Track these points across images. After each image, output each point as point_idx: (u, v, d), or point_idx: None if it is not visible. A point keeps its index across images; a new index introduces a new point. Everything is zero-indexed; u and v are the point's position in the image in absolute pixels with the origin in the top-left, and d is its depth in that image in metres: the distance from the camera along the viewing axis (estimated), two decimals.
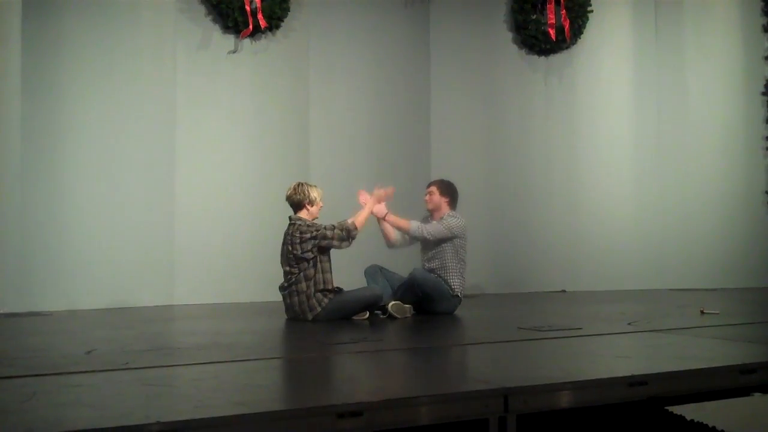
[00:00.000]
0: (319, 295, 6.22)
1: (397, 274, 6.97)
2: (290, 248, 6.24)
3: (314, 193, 6.42)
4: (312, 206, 6.41)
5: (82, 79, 7.98)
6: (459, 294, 6.84)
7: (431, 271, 6.80)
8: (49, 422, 2.67)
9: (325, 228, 6.27)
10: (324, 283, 6.27)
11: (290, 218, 6.43)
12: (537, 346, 4.83)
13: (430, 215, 7.02)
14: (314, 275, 6.24)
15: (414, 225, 6.80)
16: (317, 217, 6.47)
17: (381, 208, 6.73)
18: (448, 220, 6.84)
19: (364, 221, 6.51)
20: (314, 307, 6.20)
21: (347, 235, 6.30)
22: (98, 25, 8.07)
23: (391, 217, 6.77)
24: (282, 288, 6.38)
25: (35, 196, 7.73)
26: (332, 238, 6.25)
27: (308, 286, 6.22)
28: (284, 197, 6.48)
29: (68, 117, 7.90)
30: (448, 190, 7.02)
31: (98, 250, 7.93)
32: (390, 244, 7.00)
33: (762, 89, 11.05)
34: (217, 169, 8.73)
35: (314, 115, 9.39)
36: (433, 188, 7.02)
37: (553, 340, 5.03)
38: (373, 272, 6.91)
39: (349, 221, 6.38)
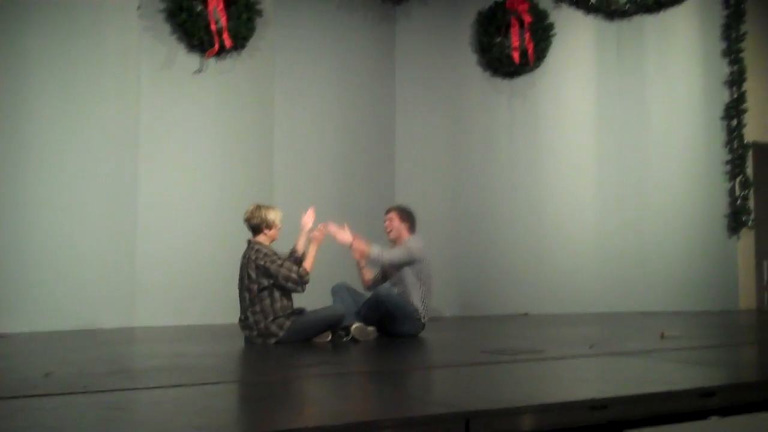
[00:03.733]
0: (280, 320, 6.17)
1: (364, 295, 6.94)
2: (248, 272, 6.20)
3: (272, 216, 6.35)
4: (270, 230, 6.36)
5: (45, 96, 7.90)
6: (422, 318, 6.83)
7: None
8: None
9: (281, 265, 6.18)
10: (283, 309, 6.22)
11: (249, 241, 6.38)
12: (499, 369, 4.84)
13: (393, 244, 7.00)
14: (271, 304, 6.18)
15: (375, 251, 6.76)
16: (276, 239, 6.42)
17: (345, 236, 6.65)
18: (408, 243, 6.86)
19: (313, 260, 6.38)
20: (275, 332, 6.14)
21: (300, 280, 6.21)
22: (61, 42, 8.01)
23: (358, 243, 6.71)
24: (241, 320, 6.31)
25: None
26: (286, 280, 6.16)
27: (266, 315, 6.15)
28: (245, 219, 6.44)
29: (29, 134, 7.81)
30: (407, 216, 7.03)
31: (57, 271, 7.83)
32: (366, 286, 7.00)
33: (721, 114, 11.21)
34: (179, 189, 8.68)
35: (279, 135, 9.38)
36: (393, 214, 7.01)
37: (515, 363, 5.04)
38: (340, 290, 6.89)
39: (301, 268, 6.28)
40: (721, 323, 8.82)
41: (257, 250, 6.22)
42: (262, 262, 6.15)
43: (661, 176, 10.81)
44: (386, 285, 6.81)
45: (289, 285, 6.20)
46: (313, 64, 9.71)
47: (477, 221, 10.31)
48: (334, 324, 6.41)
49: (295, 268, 6.23)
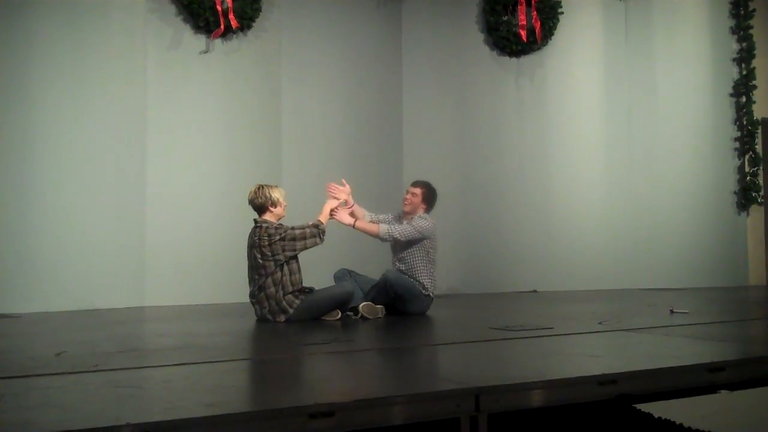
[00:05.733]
0: (289, 297, 6.21)
1: (367, 277, 6.97)
2: (257, 252, 6.23)
3: (276, 194, 6.38)
4: (275, 207, 6.37)
5: (52, 79, 7.89)
6: (430, 293, 6.86)
7: (402, 272, 6.82)
8: (18, 425, 2.64)
9: (293, 229, 6.26)
10: (293, 284, 6.26)
11: (255, 221, 6.39)
12: (508, 345, 4.85)
13: (402, 215, 7.03)
14: (282, 278, 6.22)
15: (383, 229, 6.78)
16: (283, 216, 6.45)
17: (345, 217, 6.65)
18: (417, 221, 6.85)
19: (328, 215, 6.50)
20: (286, 309, 6.20)
21: (317, 231, 6.30)
22: (67, 24, 8.00)
23: (360, 224, 6.74)
24: (252, 296, 6.37)
25: (4, 197, 7.66)
26: (304, 238, 6.24)
27: (277, 290, 6.20)
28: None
29: (37, 118, 7.82)
30: (430, 198, 7.00)
31: (68, 252, 7.86)
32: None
33: (730, 90, 11.17)
34: (188, 170, 8.69)
35: (286, 116, 9.36)
36: (418, 190, 6.97)
37: (524, 339, 5.05)
38: (342, 276, 6.92)
39: (315, 220, 6.39)
40: (730, 299, 8.82)
41: (265, 228, 6.24)
42: (276, 237, 6.18)
43: (670, 154, 10.79)
44: (393, 269, 6.85)
45: (308, 242, 6.25)
46: (319, 44, 9.67)
47: (485, 200, 10.30)
48: (343, 302, 6.44)
49: (307, 223, 6.32)
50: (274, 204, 6.37)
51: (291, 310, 6.19)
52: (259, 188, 6.39)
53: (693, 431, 2.97)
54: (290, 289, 6.23)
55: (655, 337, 5.11)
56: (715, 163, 11.04)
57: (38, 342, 5.35)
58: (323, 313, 6.36)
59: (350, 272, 6.96)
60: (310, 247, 6.32)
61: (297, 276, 6.32)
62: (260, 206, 6.37)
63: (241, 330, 6.01)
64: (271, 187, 6.43)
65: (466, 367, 4.14)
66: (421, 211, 6.96)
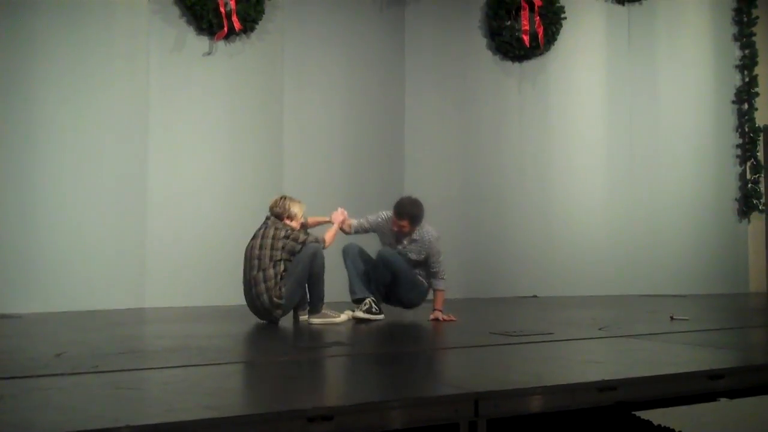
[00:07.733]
0: (278, 290, 6.20)
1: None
2: (266, 243, 6.23)
3: (295, 209, 6.45)
4: (291, 221, 6.43)
5: (55, 80, 7.91)
6: (425, 282, 6.85)
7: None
8: (17, 426, 2.64)
9: (300, 232, 6.34)
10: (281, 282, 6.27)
11: (268, 218, 6.43)
12: (508, 350, 4.83)
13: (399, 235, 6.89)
14: (274, 276, 6.21)
15: (442, 285, 6.79)
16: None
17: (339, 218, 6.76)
18: (436, 245, 6.75)
19: (333, 238, 6.57)
20: (278, 304, 6.20)
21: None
22: (71, 25, 8.01)
23: (441, 301, 6.76)
24: (247, 293, 6.36)
25: (5, 198, 7.66)
26: (303, 243, 6.28)
27: (268, 287, 6.18)
28: (258, 200, 6.49)
29: (40, 118, 7.83)
30: (418, 217, 6.74)
31: (69, 252, 7.87)
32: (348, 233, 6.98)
33: (732, 97, 11.17)
34: (189, 172, 8.70)
35: (288, 118, 9.37)
36: (405, 223, 6.67)
37: (524, 345, 5.04)
38: (352, 248, 6.84)
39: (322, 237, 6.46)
40: (730, 306, 8.81)
41: (282, 227, 6.31)
42: (281, 232, 6.25)
43: (672, 160, 10.80)
44: (388, 248, 6.76)
45: (318, 260, 6.30)
46: (322, 47, 9.68)
47: (486, 204, 10.29)
48: (316, 258, 6.35)
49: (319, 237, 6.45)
50: (291, 217, 6.44)
51: (282, 301, 6.22)
52: (280, 199, 6.50)
53: None
54: (280, 286, 6.22)
55: (655, 343, 5.11)
56: (717, 170, 11.04)
57: (38, 343, 5.35)
58: (306, 280, 6.35)
59: (360, 250, 6.88)
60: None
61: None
62: (277, 215, 6.45)
63: (241, 332, 6.01)
64: (293, 201, 6.50)
65: (465, 372, 4.14)
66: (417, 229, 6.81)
